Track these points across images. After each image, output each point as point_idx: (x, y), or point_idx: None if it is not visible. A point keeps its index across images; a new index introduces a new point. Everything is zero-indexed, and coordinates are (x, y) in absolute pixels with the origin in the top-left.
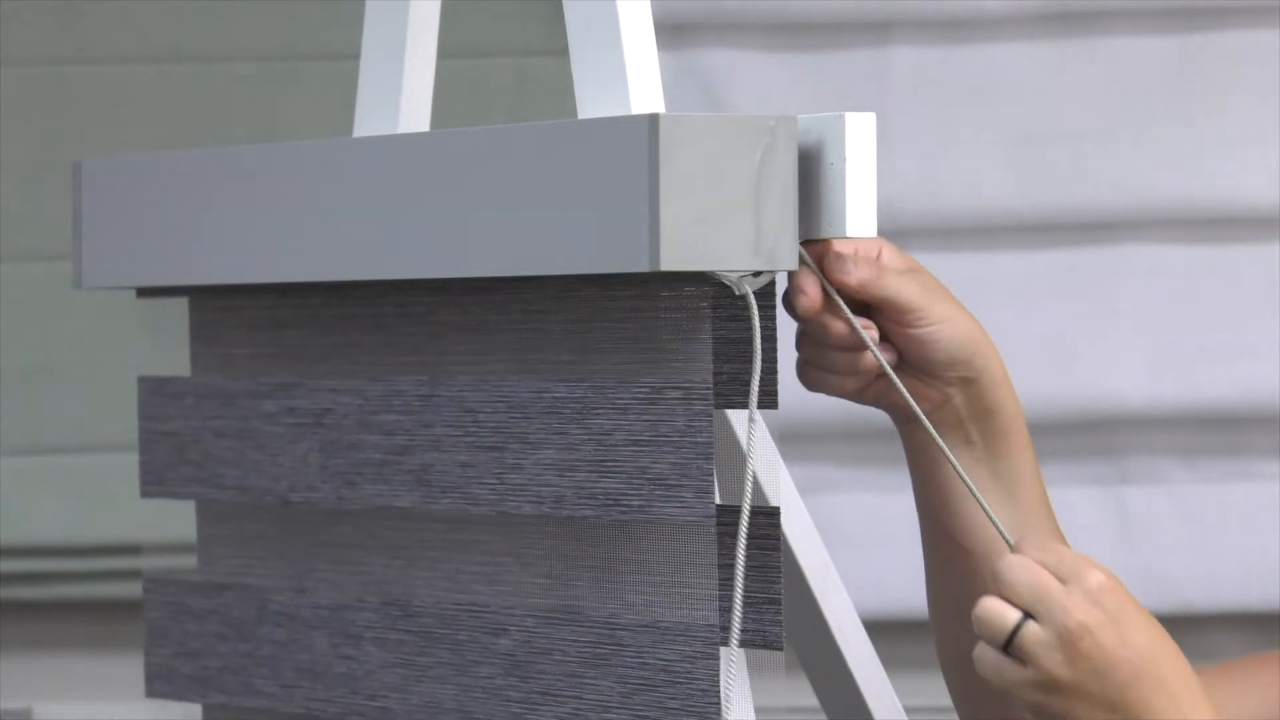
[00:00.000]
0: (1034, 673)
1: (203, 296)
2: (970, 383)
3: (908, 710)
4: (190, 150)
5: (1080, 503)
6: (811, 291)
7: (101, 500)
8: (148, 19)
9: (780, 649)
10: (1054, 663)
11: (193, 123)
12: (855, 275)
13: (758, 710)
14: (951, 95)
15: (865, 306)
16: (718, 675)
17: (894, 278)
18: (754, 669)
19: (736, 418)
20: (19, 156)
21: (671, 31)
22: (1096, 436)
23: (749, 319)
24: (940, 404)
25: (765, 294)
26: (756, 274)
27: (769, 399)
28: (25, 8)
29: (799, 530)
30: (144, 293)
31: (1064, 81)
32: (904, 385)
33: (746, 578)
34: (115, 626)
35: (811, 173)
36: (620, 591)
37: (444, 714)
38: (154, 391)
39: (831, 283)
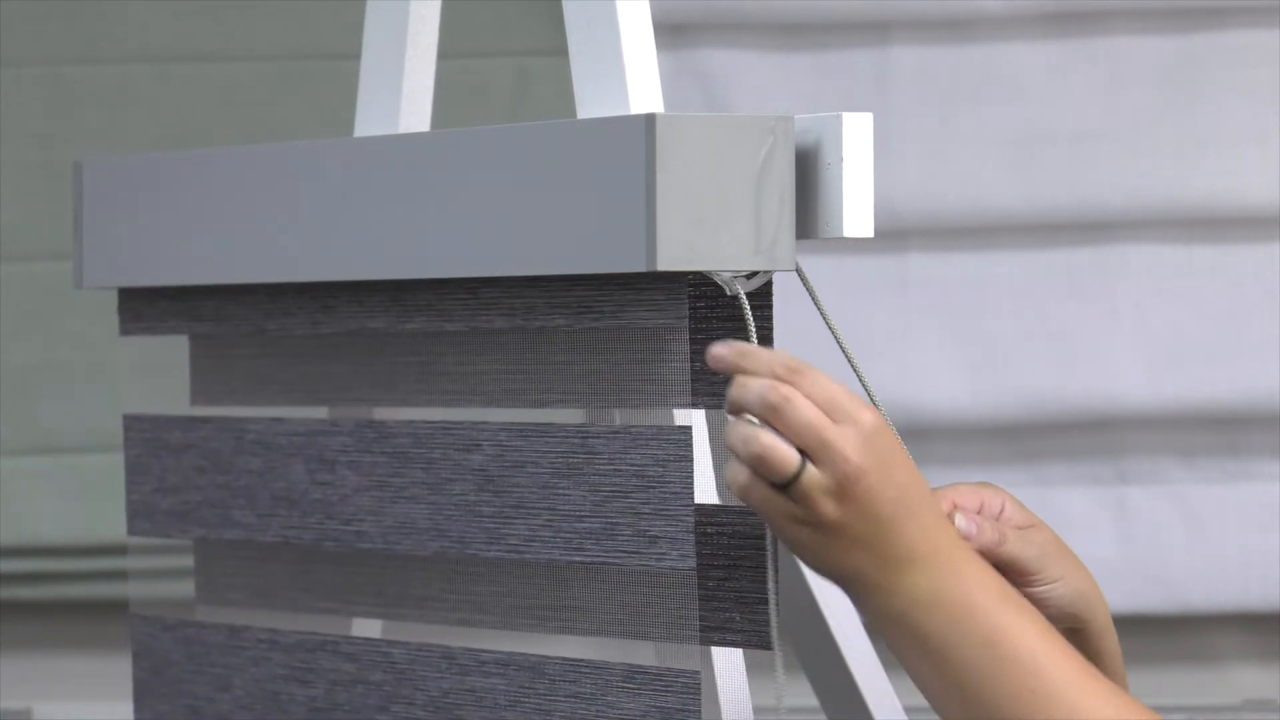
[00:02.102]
0: (803, 511)
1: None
2: (1077, 632)
3: (908, 710)
4: (190, 150)
5: (1080, 503)
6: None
7: (101, 500)
8: (148, 19)
9: (770, 648)
10: (826, 505)
11: (193, 123)
12: (978, 542)
13: (757, 710)
14: (951, 95)
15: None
16: (690, 476)
17: (1014, 544)
18: (754, 669)
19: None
20: (19, 156)
21: (671, 31)
22: (1096, 436)
23: (743, 319)
24: None
25: (762, 294)
26: (750, 276)
27: None
28: (25, 8)
29: None
30: (129, 293)
31: (1064, 81)
32: None
33: (741, 578)
34: (115, 626)
35: (809, 173)
36: (591, 399)
37: (418, 534)
38: (131, 299)
39: None
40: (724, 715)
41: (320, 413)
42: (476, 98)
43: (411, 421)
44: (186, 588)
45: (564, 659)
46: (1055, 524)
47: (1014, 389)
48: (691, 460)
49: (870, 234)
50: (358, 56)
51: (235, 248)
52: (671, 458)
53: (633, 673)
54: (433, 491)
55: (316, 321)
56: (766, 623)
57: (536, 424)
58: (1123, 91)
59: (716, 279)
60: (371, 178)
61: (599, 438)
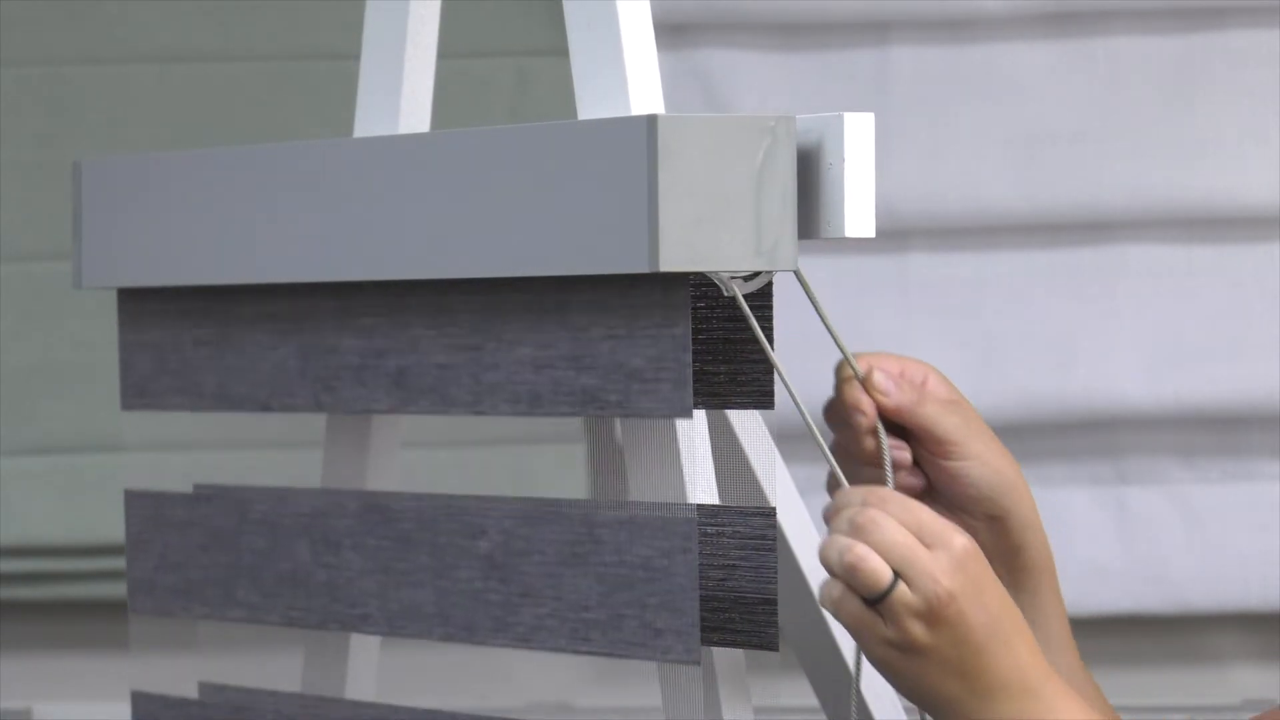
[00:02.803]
0: (894, 632)
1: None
2: (997, 520)
3: (908, 711)
4: (190, 150)
5: (1080, 503)
6: (872, 412)
7: (101, 500)
8: (148, 19)
9: (775, 649)
10: (916, 628)
11: (193, 123)
12: (895, 399)
13: (757, 710)
14: (951, 95)
15: (902, 430)
16: (695, 569)
17: (934, 407)
18: (754, 669)
19: (736, 418)
20: (19, 156)
21: (671, 31)
22: (1096, 436)
23: (745, 319)
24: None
25: (763, 295)
26: (749, 277)
27: (765, 399)
28: (25, 8)
29: (798, 530)
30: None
31: (1064, 81)
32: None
33: (740, 578)
34: (115, 626)
35: (810, 173)
36: (589, 403)
37: (423, 619)
38: (133, 300)
39: (868, 393)
40: (724, 715)
41: (320, 421)
42: (476, 98)
43: (418, 497)
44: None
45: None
46: (1055, 524)
47: (1014, 389)
48: (696, 553)
49: (872, 234)
50: (358, 56)
51: (234, 248)
52: (677, 549)
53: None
54: (438, 576)
55: (314, 322)
56: (767, 623)
57: (542, 511)
58: (1123, 91)
59: (715, 279)
60: (371, 178)
61: (605, 526)
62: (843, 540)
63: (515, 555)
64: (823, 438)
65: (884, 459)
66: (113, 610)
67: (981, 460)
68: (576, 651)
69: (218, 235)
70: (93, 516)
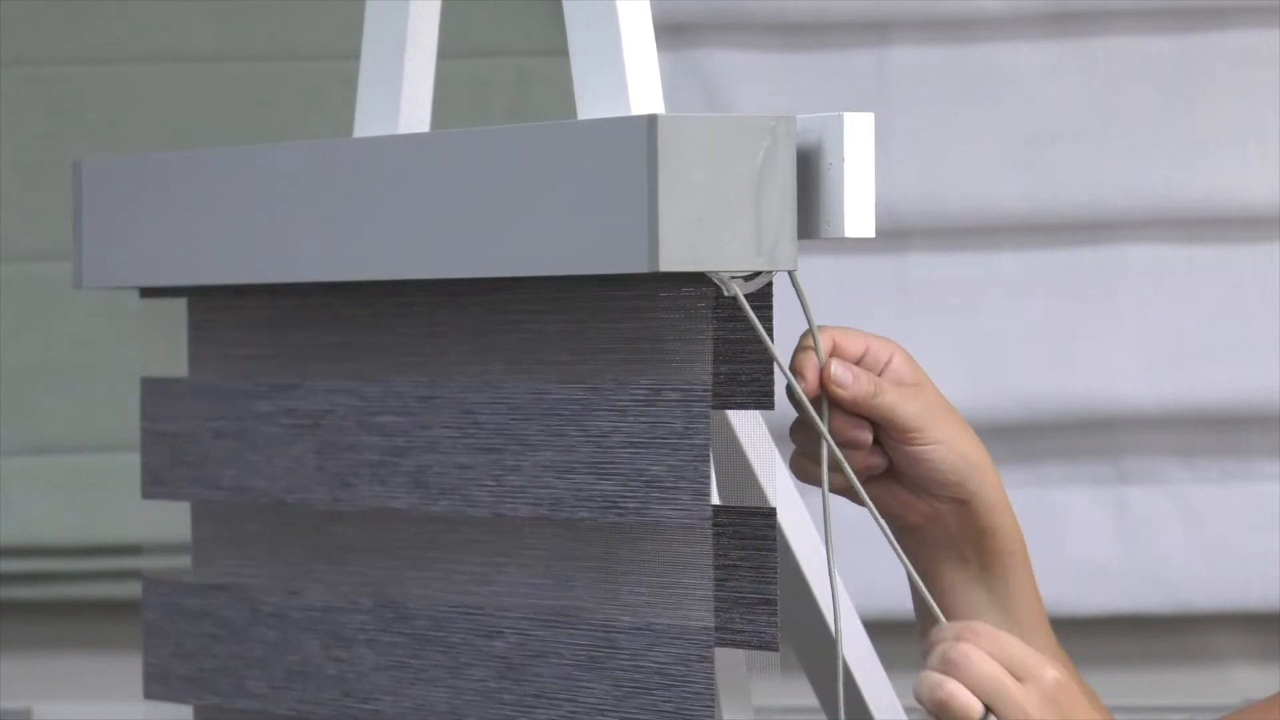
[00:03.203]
0: None
1: (201, 297)
2: (963, 504)
3: (908, 710)
4: (190, 150)
5: (1080, 503)
6: (812, 378)
7: (101, 500)
8: (148, 19)
9: (775, 649)
10: None
11: (193, 123)
12: (852, 390)
13: (757, 710)
14: (951, 95)
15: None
16: (713, 678)
17: (893, 395)
18: (754, 669)
19: (736, 418)
20: (19, 156)
21: (671, 31)
22: (1096, 436)
23: (746, 318)
24: (932, 519)
25: (763, 295)
26: (749, 277)
27: (765, 399)
28: (25, 8)
29: (798, 530)
30: (146, 293)
31: (1064, 81)
32: (897, 495)
33: (741, 578)
34: (115, 626)
35: (810, 173)
36: (616, 593)
37: (437, 717)
38: (156, 392)
39: (826, 392)
40: (724, 715)
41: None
42: (476, 98)
43: (432, 604)
44: None
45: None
46: (1055, 524)
47: (1014, 389)
48: (713, 661)
49: (872, 234)
50: (358, 56)
51: (235, 248)
52: (694, 658)
53: None
54: (452, 675)
55: (314, 322)
56: (767, 623)
57: (559, 615)
58: (1123, 91)
59: (715, 279)
60: (371, 178)
61: (623, 633)
62: (934, 677)
63: (531, 657)
64: (824, 436)
65: (821, 430)
66: (113, 610)
67: (946, 444)
68: None
69: (218, 235)
70: (93, 516)
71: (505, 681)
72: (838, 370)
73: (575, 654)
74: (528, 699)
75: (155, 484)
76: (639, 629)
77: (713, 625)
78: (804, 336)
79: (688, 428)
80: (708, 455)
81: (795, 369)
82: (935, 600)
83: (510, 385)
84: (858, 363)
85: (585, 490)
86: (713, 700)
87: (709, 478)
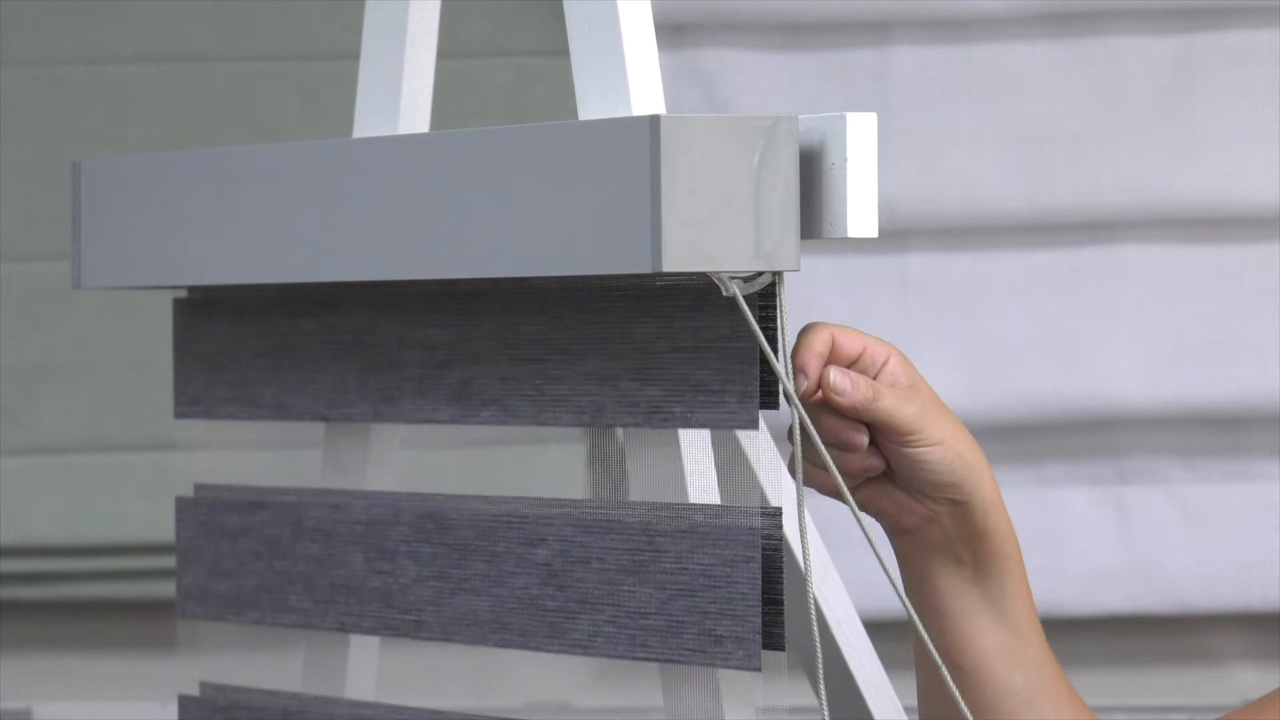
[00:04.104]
0: None
1: (196, 295)
2: (960, 505)
3: (908, 710)
4: (190, 150)
5: (1080, 503)
6: (814, 377)
7: (101, 500)
8: (148, 19)
9: (782, 649)
10: None
11: (193, 123)
12: (850, 398)
13: (757, 710)
14: (951, 95)
15: None
16: (758, 578)
17: (890, 399)
18: (754, 669)
19: None
20: (19, 156)
21: (671, 31)
22: (1096, 436)
23: (744, 319)
24: (928, 521)
25: (767, 295)
26: (750, 278)
27: (768, 399)
28: (25, 8)
29: (798, 530)
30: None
31: (1064, 81)
32: (893, 497)
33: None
34: (115, 626)
35: (812, 173)
36: (593, 403)
37: (478, 625)
38: (191, 313)
39: (824, 398)
40: (725, 715)
41: (317, 430)
42: (476, 98)
43: (474, 505)
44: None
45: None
46: (1055, 524)
47: (1014, 389)
48: (759, 561)
49: (874, 234)
50: (358, 56)
51: (234, 248)
52: (740, 558)
53: None
54: (495, 584)
55: (314, 322)
56: (773, 623)
57: (602, 520)
58: (1123, 91)
59: (715, 279)
60: (371, 178)
61: (666, 536)
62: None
63: (574, 563)
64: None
65: (811, 432)
66: (113, 610)
67: (943, 445)
68: (634, 658)
69: (217, 236)
70: (93, 516)
71: (548, 589)
72: (835, 378)
73: (619, 559)
74: (570, 605)
75: (191, 404)
76: (683, 532)
77: (759, 526)
78: (804, 331)
79: (734, 330)
80: (756, 358)
81: (798, 365)
82: (932, 603)
83: (555, 300)
84: (854, 362)
85: (630, 397)
86: (759, 601)
87: (756, 380)
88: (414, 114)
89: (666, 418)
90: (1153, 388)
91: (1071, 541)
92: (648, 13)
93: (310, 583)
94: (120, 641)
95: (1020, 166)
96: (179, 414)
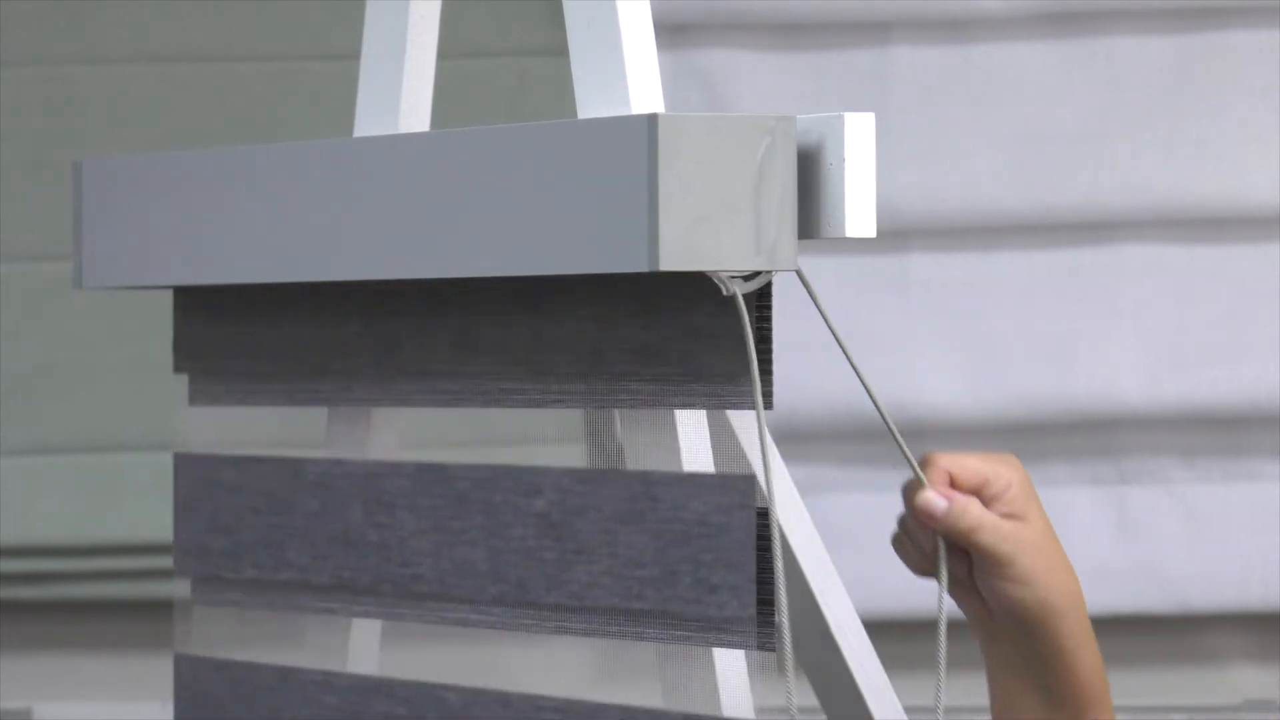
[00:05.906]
0: None
1: (192, 296)
2: (1027, 639)
3: (908, 710)
4: (190, 150)
5: (1080, 503)
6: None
7: (101, 500)
8: (148, 19)
9: (774, 650)
10: None
11: (193, 123)
12: (943, 524)
13: (757, 710)
14: (951, 95)
15: None
16: (753, 526)
17: (990, 536)
18: (754, 669)
19: (736, 417)
20: (19, 156)
21: (671, 31)
22: (1096, 436)
23: (739, 319)
24: (996, 640)
25: (762, 294)
26: (748, 277)
27: (766, 399)
28: (25, 8)
29: (799, 530)
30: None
31: (1064, 81)
32: (971, 602)
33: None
34: (115, 626)
35: (811, 173)
36: (590, 399)
37: (476, 577)
38: (189, 312)
39: (916, 516)
40: (724, 715)
41: (320, 414)
42: (476, 98)
43: (473, 465)
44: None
45: (622, 707)
46: (1056, 524)
47: (1014, 389)
48: (754, 510)
49: (872, 234)
50: (358, 56)
51: (234, 248)
52: (735, 505)
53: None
54: (492, 535)
55: (314, 322)
56: (768, 624)
57: (599, 469)
58: (1123, 91)
59: (714, 279)
60: (371, 178)
61: (662, 484)
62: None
63: (571, 513)
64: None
65: (939, 574)
66: (113, 610)
67: (1030, 589)
68: (629, 608)
69: (217, 235)
70: (93, 516)
71: (545, 539)
72: (931, 502)
73: (615, 507)
74: (568, 555)
75: (191, 360)
76: (679, 479)
77: (753, 474)
78: (922, 461)
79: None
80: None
81: (929, 501)
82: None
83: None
84: (976, 491)
85: (628, 341)
86: (753, 548)
87: (749, 329)
88: (414, 114)
89: (665, 363)
90: (1153, 388)
91: (1073, 541)
92: (647, 13)
93: (308, 537)
94: (120, 641)
95: (1020, 166)
96: (179, 368)
